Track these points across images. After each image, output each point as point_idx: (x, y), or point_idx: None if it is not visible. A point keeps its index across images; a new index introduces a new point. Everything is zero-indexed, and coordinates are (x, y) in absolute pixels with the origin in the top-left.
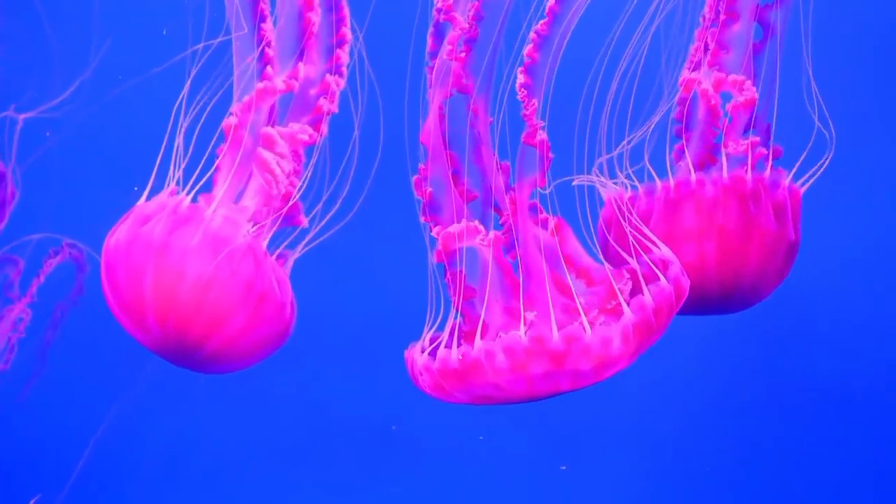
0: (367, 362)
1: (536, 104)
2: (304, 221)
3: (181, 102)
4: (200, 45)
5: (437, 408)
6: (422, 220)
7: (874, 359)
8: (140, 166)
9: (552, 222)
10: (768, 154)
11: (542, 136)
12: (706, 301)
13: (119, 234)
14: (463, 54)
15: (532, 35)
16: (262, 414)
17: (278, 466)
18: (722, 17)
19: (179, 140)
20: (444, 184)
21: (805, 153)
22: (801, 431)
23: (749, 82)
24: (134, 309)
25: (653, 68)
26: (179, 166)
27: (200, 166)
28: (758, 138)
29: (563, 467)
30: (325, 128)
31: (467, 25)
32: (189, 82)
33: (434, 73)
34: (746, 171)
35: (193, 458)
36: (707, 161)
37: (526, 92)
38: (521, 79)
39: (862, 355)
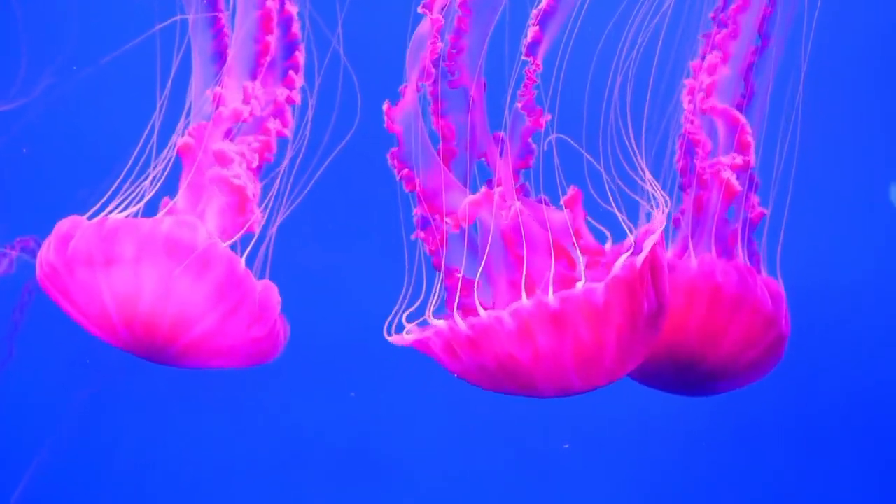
0: (340, 375)
1: (537, 87)
2: (256, 229)
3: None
4: (170, 23)
5: (411, 420)
6: (418, 212)
7: (880, 365)
8: (93, 162)
9: (569, 191)
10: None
11: (545, 117)
12: (677, 364)
13: (50, 258)
14: (451, 48)
15: (535, 12)
16: (234, 428)
17: (251, 483)
18: (717, 57)
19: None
20: (431, 170)
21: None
22: (807, 441)
23: (751, 149)
24: (102, 323)
25: (658, 80)
26: (136, 170)
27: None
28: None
29: (566, 445)
30: (274, 144)
31: (441, 19)
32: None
33: (408, 56)
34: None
35: (160, 468)
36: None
37: (533, 67)
38: (531, 63)
39: (869, 362)
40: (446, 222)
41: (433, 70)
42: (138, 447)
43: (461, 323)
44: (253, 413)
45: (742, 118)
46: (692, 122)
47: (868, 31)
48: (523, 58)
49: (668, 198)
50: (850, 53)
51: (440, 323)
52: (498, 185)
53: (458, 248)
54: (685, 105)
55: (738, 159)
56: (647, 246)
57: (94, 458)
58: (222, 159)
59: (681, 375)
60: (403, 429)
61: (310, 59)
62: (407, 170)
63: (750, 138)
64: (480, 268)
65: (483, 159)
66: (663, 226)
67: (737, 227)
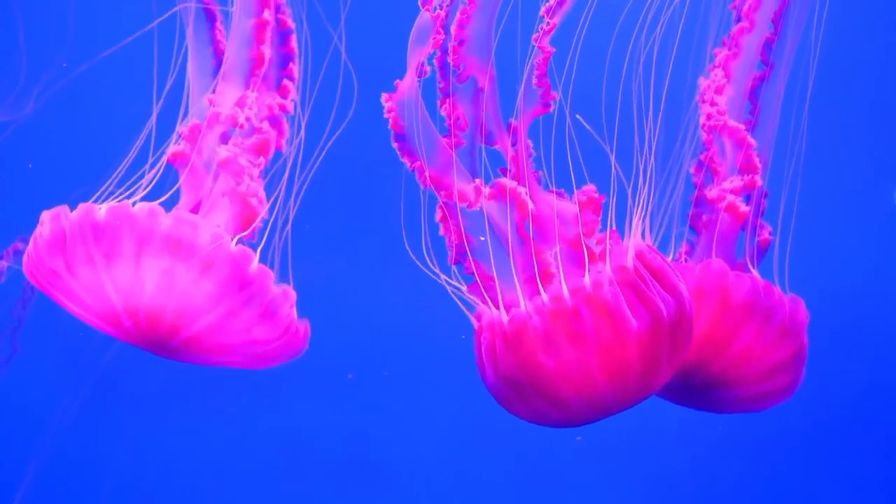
0: (342, 380)
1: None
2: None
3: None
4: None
5: (413, 427)
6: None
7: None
8: (89, 163)
9: (588, 190)
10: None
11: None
12: (680, 367)
13: (46, 262)
14: (455, 41)
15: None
16: (235, 431)
17: (251, 487)
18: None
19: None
20: (441, 161)
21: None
22: (815, 451)
23: (758, 169)
24: (107, 316)
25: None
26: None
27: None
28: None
29: (578, 438)
30: (271, 150)
31: (441, 14)
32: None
33: (409, 48)
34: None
35: (159, 468)
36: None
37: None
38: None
39: (879, 370)
40: (467, 200)
41: (436, 63)
42: (138, 447)
43: (504, 315)
44: (253, 418)
45: (749, 138)
46: (708, 149)
47: (871, 39)
48: (536, 46)
49: (650, 197)
50: (852, 62)
51: (494, 312)
52: (511, 174)
53: (482, 244)
54: (702, 134)
55: (738, 182)
56: (631, 245)
57: (93, 459)
58: (233, 169)
59: (684, 381)
60: (405, 436)
61: (313, 60)
62: (418, 162)
63: (757, 160)
64: (511, 261)
65: (496, 148)
66: (642, 225)
67: (747, 249)
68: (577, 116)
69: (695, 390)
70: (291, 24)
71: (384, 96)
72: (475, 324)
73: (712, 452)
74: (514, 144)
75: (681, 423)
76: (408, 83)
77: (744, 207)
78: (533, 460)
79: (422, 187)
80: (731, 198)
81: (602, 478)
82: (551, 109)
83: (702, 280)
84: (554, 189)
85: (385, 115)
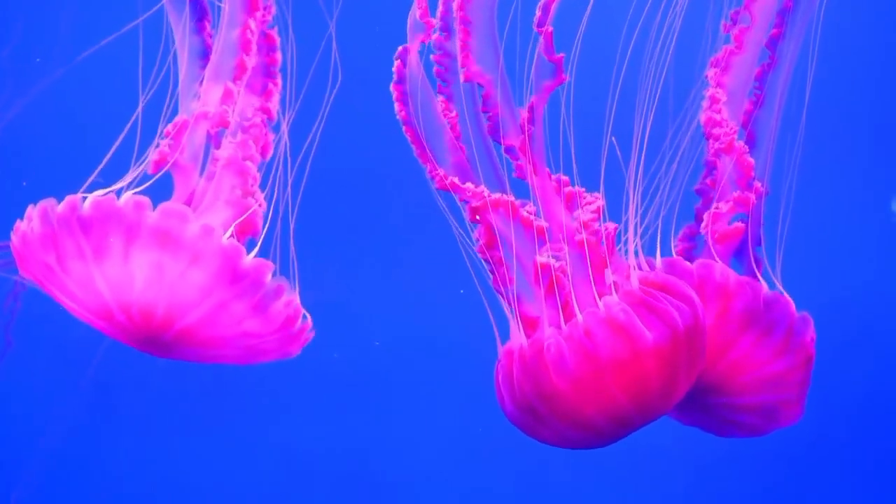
0: (341, 389)
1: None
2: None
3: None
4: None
5: (416, 441)
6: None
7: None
8: (77, 162)
9: (596, 208)
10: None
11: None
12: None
13: (39, 256)
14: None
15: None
16: (236, 440)
17: (251, 495)
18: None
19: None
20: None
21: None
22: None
23: (756, 187)
24: (100, 311)
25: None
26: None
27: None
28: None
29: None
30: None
31: (434, 22)
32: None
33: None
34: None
35: (157, 475)
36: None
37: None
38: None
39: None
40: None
41: (437, 61)
42: (137, 449)
43: (523, 338)
44: (253, 421)
45: (749, 158)
46: (717, 175)
47: (870, 46)
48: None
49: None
50: (850, 70)
51: (513, 335)
52: (529, 168)
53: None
54: (710, 157)
55: (729, 205)
56: (633, 269)
57: (93, 460)
58: (235, 169)
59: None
60: (408, 450)
61: (314, 63)
62: (438, 169)
63: (757, 182)
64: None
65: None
66: (640, 236)
67: (751, 258)
68: (612, 139)
69: (694, 398)
70: (277, 38)
71: (393, 95)
72: (499, 349)
73: (714, 468)
74: (523, 142)
75: (682, 438)
76: (412, 65)
77: (738, 226)
78: (533, 473)
79: (437, 187)
80: (720, 226)
81: (603, 490)
82: (565, 80)
83: (702, 286)
84: (562, 176)
85: (397, 116)
